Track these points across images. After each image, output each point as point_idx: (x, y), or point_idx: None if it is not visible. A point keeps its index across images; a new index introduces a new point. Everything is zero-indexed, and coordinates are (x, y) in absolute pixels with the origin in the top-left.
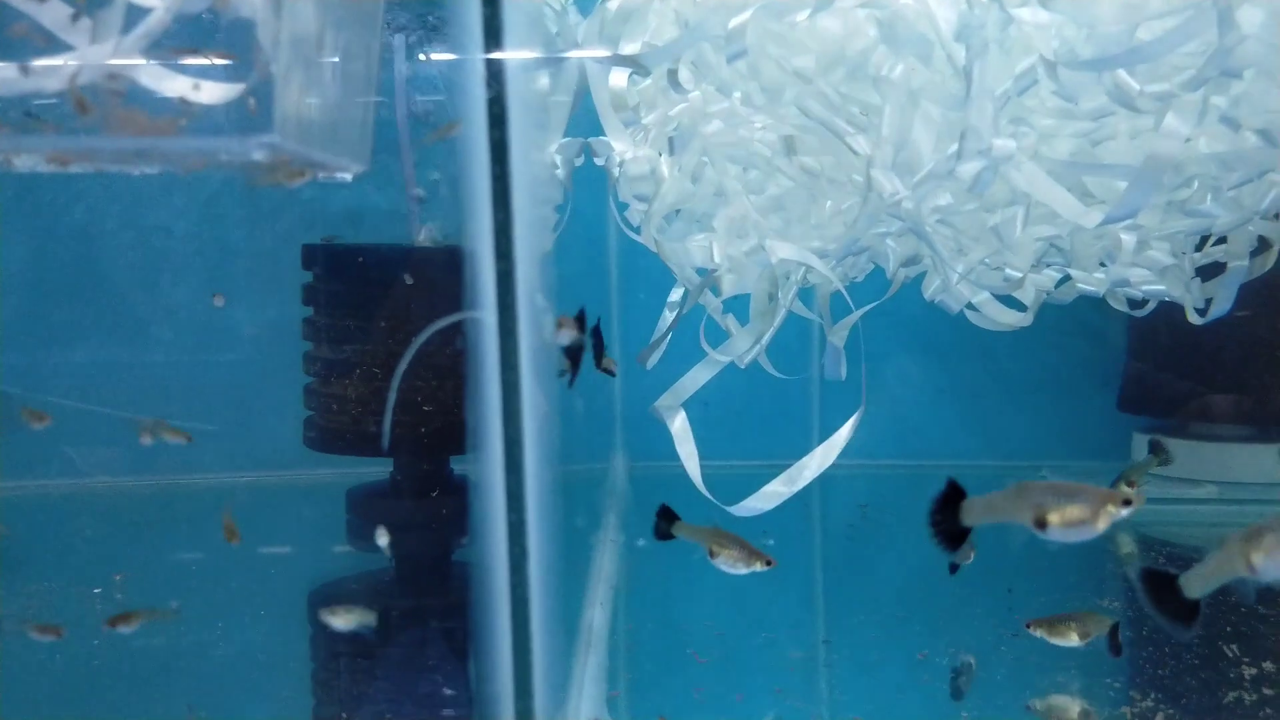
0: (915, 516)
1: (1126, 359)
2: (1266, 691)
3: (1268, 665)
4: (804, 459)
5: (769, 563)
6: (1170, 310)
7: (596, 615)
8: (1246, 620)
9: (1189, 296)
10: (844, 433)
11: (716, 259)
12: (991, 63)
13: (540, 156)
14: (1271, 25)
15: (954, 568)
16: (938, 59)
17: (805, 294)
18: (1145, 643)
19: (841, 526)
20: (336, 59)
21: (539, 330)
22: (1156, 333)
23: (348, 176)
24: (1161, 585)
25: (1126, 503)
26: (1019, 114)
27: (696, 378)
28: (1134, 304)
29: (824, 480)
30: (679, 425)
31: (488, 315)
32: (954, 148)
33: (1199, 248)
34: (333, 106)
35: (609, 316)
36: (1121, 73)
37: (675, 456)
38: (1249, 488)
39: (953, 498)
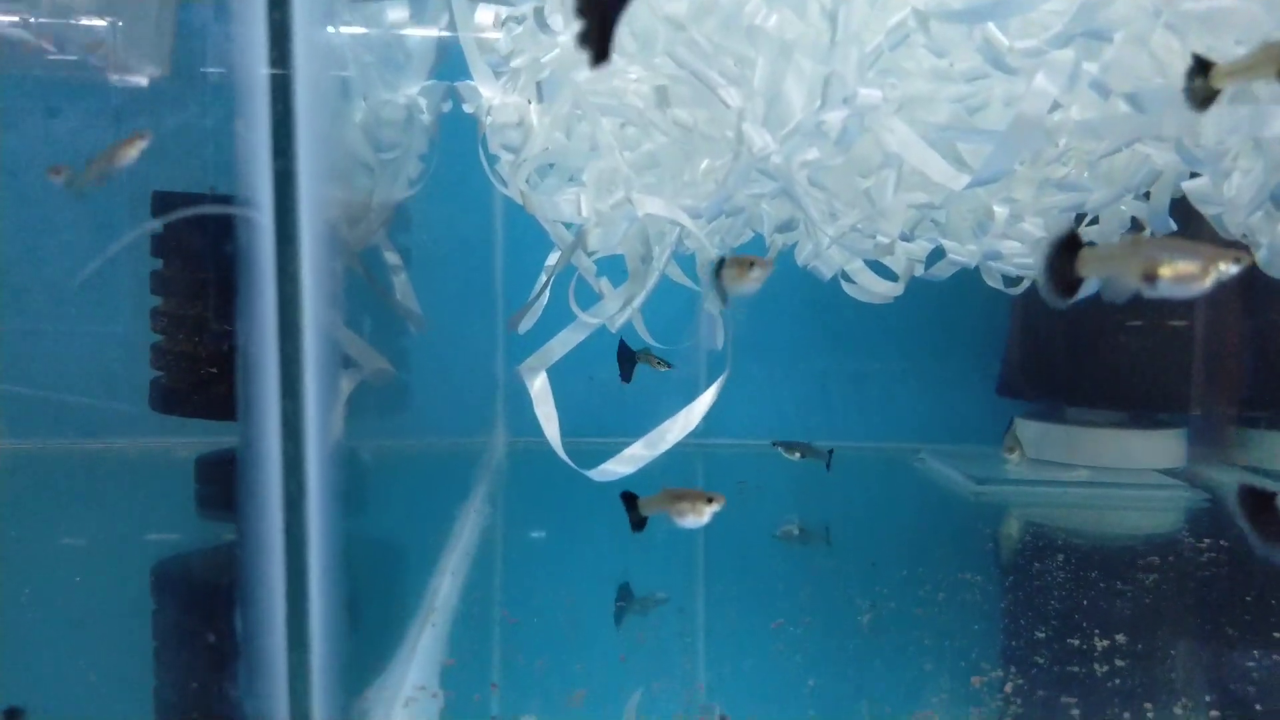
0: (791, 493)
1: (1006, 345)
2: (1118, 663)
3: (1120, 637)
4: (665, 423)
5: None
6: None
7: (445, 584)
8: (1105, 595)
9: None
10: (706, 398)
11: (584, 213)
12: (859, 11)
13: (389, 96)
14: None
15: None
16: (811, 11)
17: (689, 262)
18: (1002, 615)
19: None
20: None
21: (336, 283)
22: (1035, 320)
23: (143, 80)
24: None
25: (1236, 260)
26: (896, 73)
27: (566, 341)
28: (1009, 281)
29: (707, 457)
30: (539, 387)
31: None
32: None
33: (1079, 221)
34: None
35: (491, 279)
36: (992, 27)
37: (577, 434)
38: (1120, 472)
39: (1071, 245)
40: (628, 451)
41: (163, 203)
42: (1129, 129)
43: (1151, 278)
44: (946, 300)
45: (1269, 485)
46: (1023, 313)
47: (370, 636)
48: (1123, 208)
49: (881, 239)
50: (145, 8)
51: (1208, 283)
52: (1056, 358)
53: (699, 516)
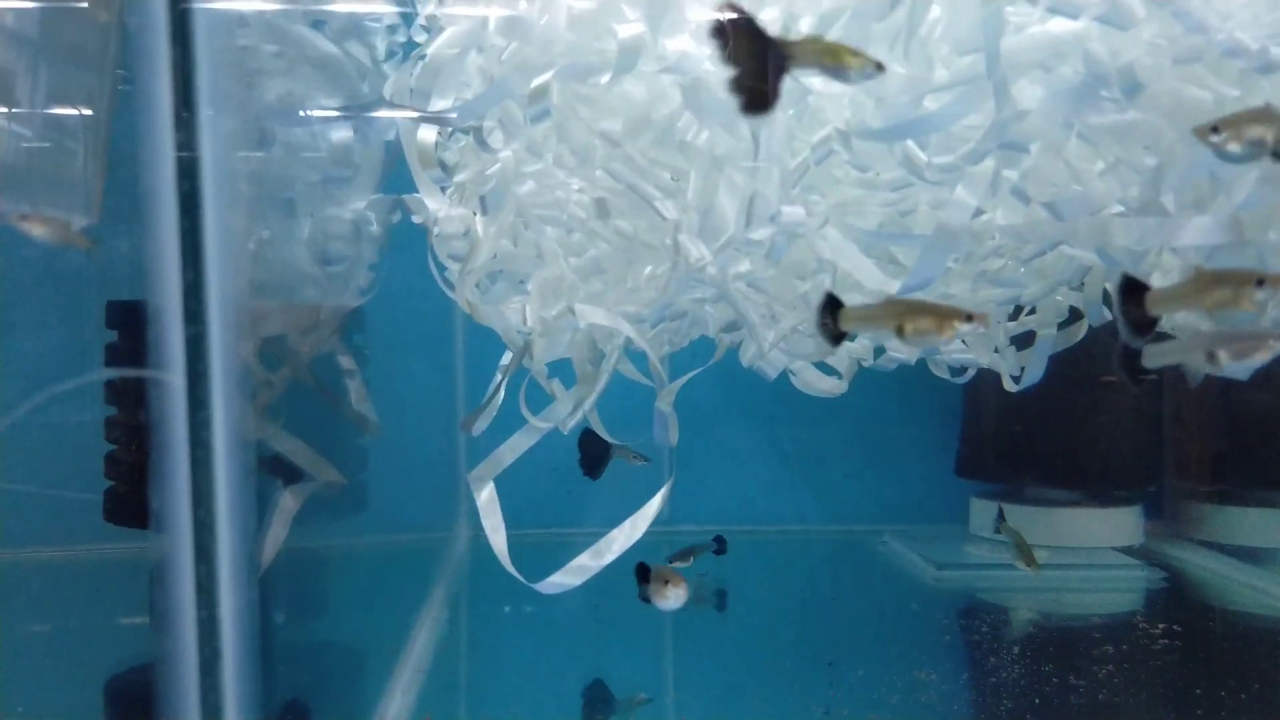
0: (752, 584)
1: (962, 425)
2: None
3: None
4: (613, 531)
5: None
6: (1000, 379)
7: (394, 706)
8: (1058, 691)
9: (1004, 365)
10: (653, 504)
11: (529, 323)
12: (780, 130)
13: (340, 212)
14: (1052, 102)
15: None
16: (742, 127)
17: (640, 358)
18: None
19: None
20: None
21: (246, 399)
22: (988, 400)
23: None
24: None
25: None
26: (826, 181)
27: (516, 446)
28: (954, 371)
29: (671, 545)
30: (486, 498)
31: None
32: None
33: (1015, 317)
34: (39, 152)
35: (453, 379)
36: (910, 144)
37: (522, 524)
38: (1078, 551)
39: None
40: (575, 562)
41: (116, 312)
42: (1049, 234)
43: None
44: (906, 379)
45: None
46: (975, 394)
47: None
48: (1059, 298)
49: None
50: (71, 166)
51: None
52: (1010, 438)
53: (666, 600)
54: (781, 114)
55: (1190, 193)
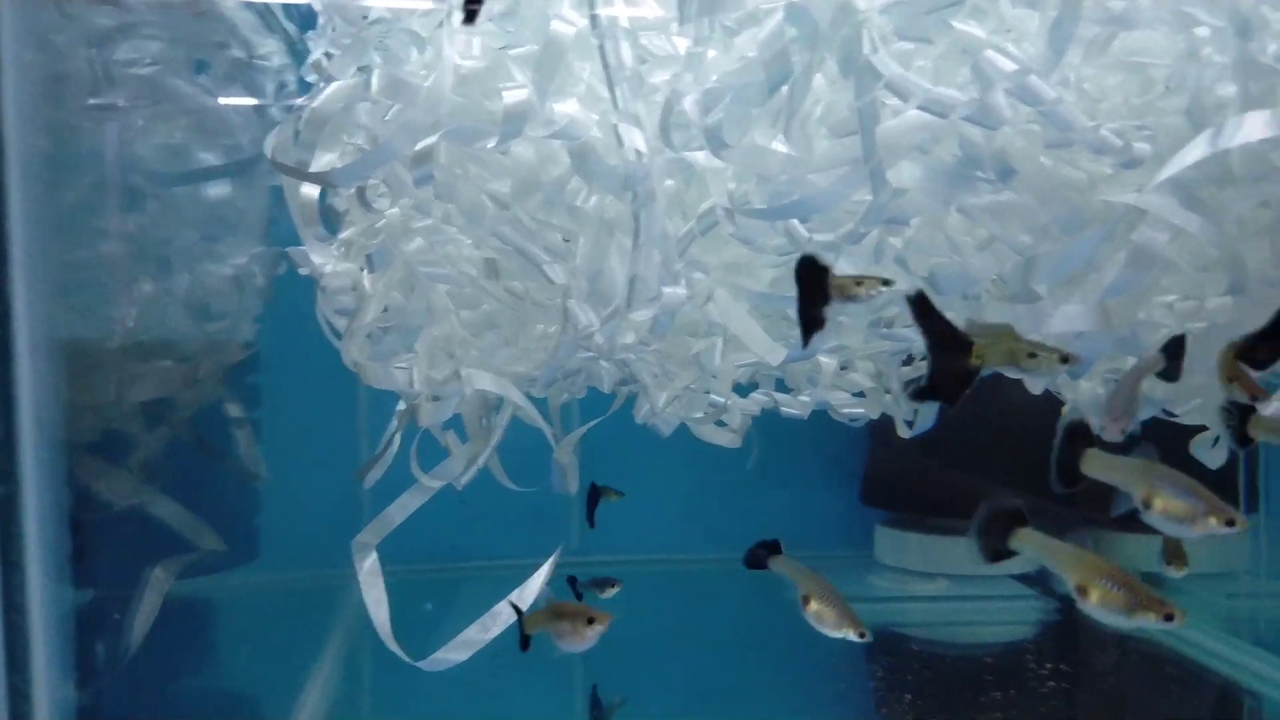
0: (651, 616)
1: (867, 455)
2: None
3: None
4: (498, 605)
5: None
6: None
7: None
8: None
9: (898, 410)
10: (541, 574)
11: (416, 385)
12: (658, 214)
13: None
14: (930, 181)
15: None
16: (626, 195)
17: (541, 404)
18: None
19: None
20: None
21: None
22: (891, 430)
23: None
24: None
25: (1230, 523)
26: (716, 240)
27: (406, 505)
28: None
29: (586, 577)
30: (369, 568)
31: None
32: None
33: (907, 363)
34: None
35: (355, 413)
36: (794, 222)
37: (437, 558)
38: (977, 581)
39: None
40: (462, 636)
41: None
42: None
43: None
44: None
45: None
46: (879, 423)
47: None
48: None
49: (715, 398)
50: None
51: (1195, 531)
52: (911, 467)
53: (581, 639)
54: (661, 193)
55: (1065, 272)
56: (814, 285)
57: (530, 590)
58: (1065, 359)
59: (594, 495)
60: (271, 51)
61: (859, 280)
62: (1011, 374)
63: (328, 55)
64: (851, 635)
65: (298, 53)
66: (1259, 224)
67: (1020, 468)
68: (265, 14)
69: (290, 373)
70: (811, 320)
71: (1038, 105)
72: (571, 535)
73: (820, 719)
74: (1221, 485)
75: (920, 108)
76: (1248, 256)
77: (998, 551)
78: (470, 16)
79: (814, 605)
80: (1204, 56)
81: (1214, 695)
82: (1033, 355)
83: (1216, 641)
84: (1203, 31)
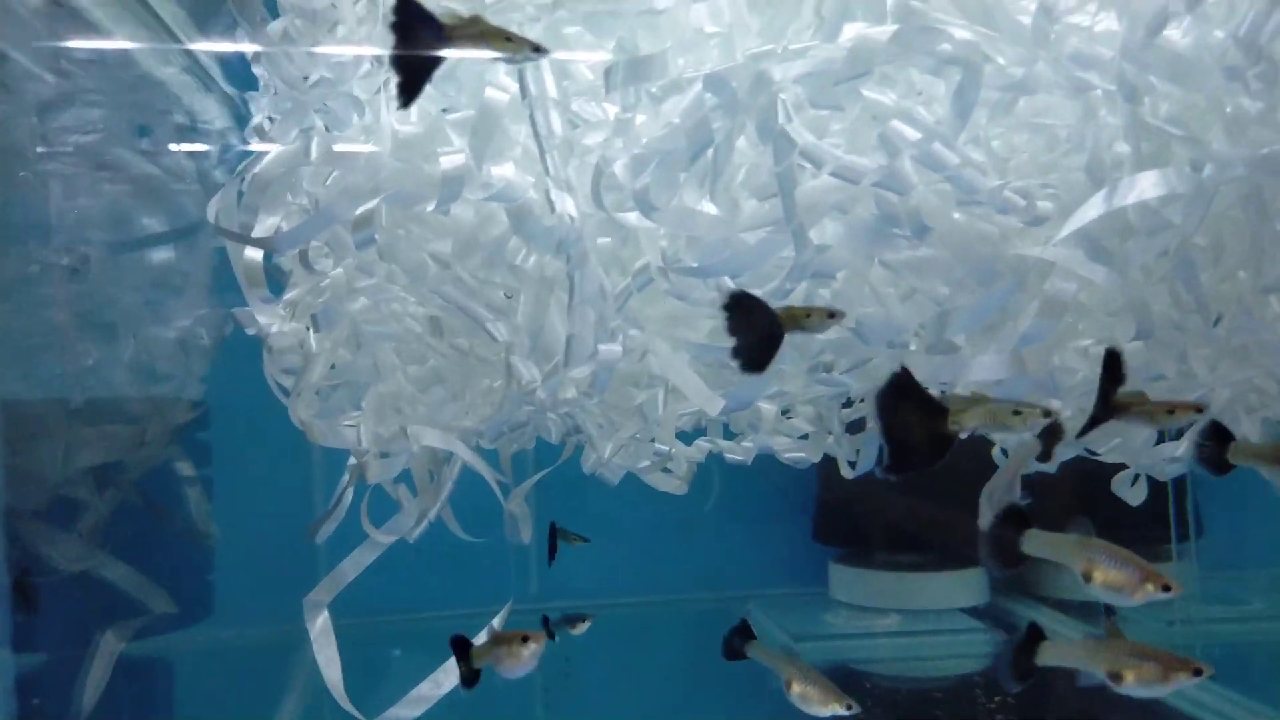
0: (623, 659)
1: (817, 493)
2: None
3: None
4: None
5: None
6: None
7: None
8: None
9: (840, 451)
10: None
11: (364, 442)
12: (592, 275)
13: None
14: (851, 236)
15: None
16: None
17: (492, 455)
18: None
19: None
20: None
21: None
22: (838, 468)
23: None
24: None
25: (1166, 588)
26: (655, 293)
27: (358, 562)
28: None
29: (534, 624)
30: (320, 628)
31: None
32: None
33: (848, 404)
34: None
35: (308, 481)
36: (724, 280)
37: (402, 609)
38: (927, 615)
39: (1019, 519)
40: (415, 692)
41: None
42: (857, 354)
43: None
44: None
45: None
46: (828, 461)
47: None
48: None
49: (660, 447)
50: None
51: (1136, 598)
52: (859, 504)
53: (518, 661)
54: (594, 253)
55: (978, 323)
56: (749, 318)
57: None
58: (1048, 413)
59: (553, 535)
60: (213, 116)
61: (807, 312)
62: (994, 434)
63: (269, 119)
64: (840, 711)
65: (240, 116)
66: (1161, 272)
67: (967, 500)
68: (205, 79)
69: (242, 430)
70: (754, 353)
71: (942, 171)
72: (530, 582)
73: None
74: (1155, 517)
75: (832, 174)
76: (1153, 303)
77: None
78: (406, 100)
79: (797, 688)
80: (1100, 118)
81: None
82: (1017, 413)
83: None
84: (1098, 94)
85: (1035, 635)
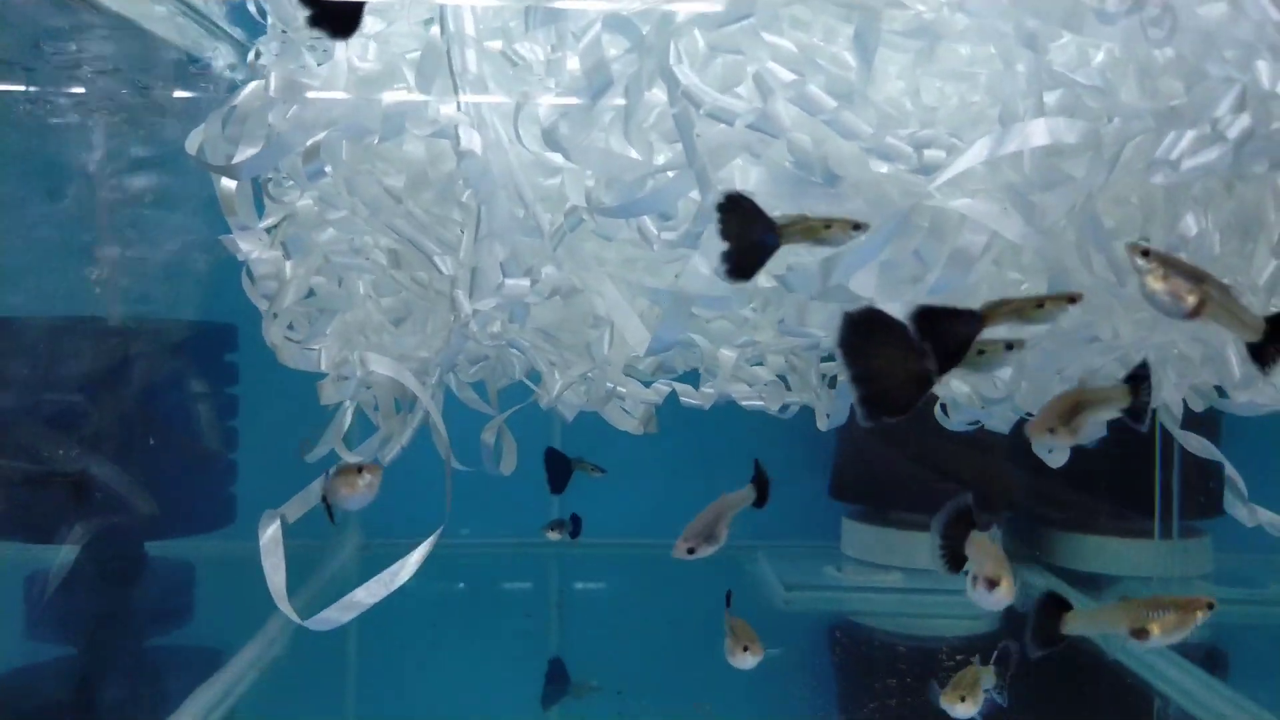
0: (633, 602)
1: (836, 451)
2: None
3: None
4: (397, 564)
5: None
6: None
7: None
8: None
9: (819, 404)
10: (422, 550)
11: (324, 366)
12: (500, 211)
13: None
14: (769, 183)
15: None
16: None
17: (479, 387)
18: None
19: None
20: None
21: None
22: (857, 428)
23: None
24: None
25: (1210, 607)
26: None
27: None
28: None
29: (561, 560)
30: (269, 537)
31: None
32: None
33: (829, 358)
34: None
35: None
36: (645, 220)
37: (421, 532)
38: (932, 575)
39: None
40: (349, 598)
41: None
42: (792, 305)
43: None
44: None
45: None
46: (849, 420)
47: None
48: None
49: (615, 387)
50: None
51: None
52: (878, 464)
53: (353, 490)
54: (504, 193)
55: (903, 272)
56: (741, 221)
57: (410, 563)
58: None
59: (561, 465)
60: (218, 54)
61: (827, 223)
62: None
63: (257, 54)
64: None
65: (243, 53)
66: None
67: (986, 462)
68: (211, 25)
69: (269, 352)
70: (742, 259)
71: (819, 114)
72: (550, 511)
73: (785, 704)
74: (1137, 494)
75: (707, 114)
76: (1095, 263)
77: (1052, 638)
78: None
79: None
80: (1016, 69)
81: (1134, 697)
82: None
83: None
84: (1011, 44)
85: (1059, 604)
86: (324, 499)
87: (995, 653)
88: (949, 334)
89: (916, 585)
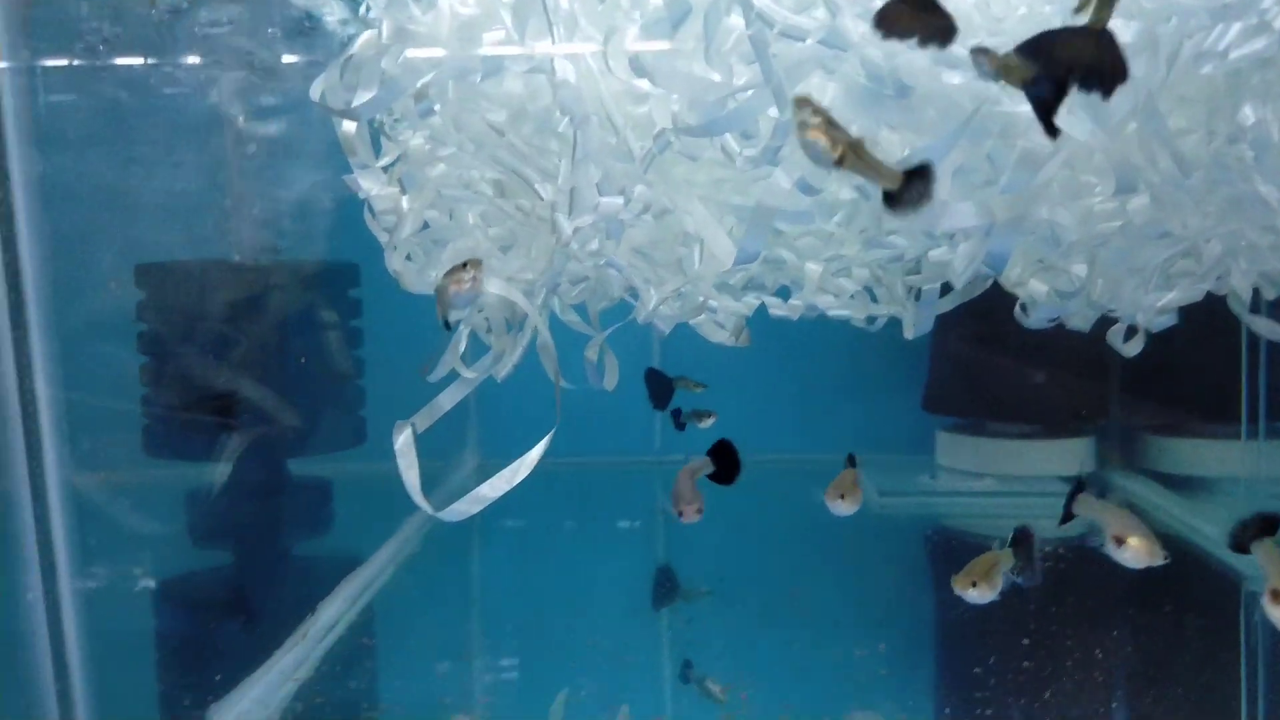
0: (739, 515)
1: (930, 364)
2: None
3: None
4: (512, 465)
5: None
6: (961, 319)
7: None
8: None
9: (906, 314)
10: (539, 448)
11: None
12: (593, 136)
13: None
14: (845, 96)
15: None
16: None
17: (580, 310)
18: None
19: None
20: None
21: None
22: (951, 341)
23: None
24: None
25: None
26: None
27: (454, 394)
28: (869, 320)
29: (666, 476)
30: (403, 441)
31: None
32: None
33: (915, 271)
34: None
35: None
36: (727, 137)
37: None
38: (1025, 480)
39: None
40: (476, 491)
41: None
42: (873, 216)
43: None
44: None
45: None
46: (941, 334)
47: None
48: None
49: (707, 300)
50: None
51: None
52: (973, 376)
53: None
54: (596, 120)
55: (977, 176)
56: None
57: (532, 457)
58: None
59: (668, 385)
60: (333, 9)
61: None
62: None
63: (368, 8)
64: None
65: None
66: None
67: (1078, 371)
68: None
69: (390, 286)
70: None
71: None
72: (654, 437)
73: (886, 605)
74: (1226, 396)
75: (781, 33)
76: (1160, 159)
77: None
78: None
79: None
80: None
81: (1228, 592)
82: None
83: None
84: None
85: (1079, 486)
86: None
87: (1012, 534)
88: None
89: (1008, 489)
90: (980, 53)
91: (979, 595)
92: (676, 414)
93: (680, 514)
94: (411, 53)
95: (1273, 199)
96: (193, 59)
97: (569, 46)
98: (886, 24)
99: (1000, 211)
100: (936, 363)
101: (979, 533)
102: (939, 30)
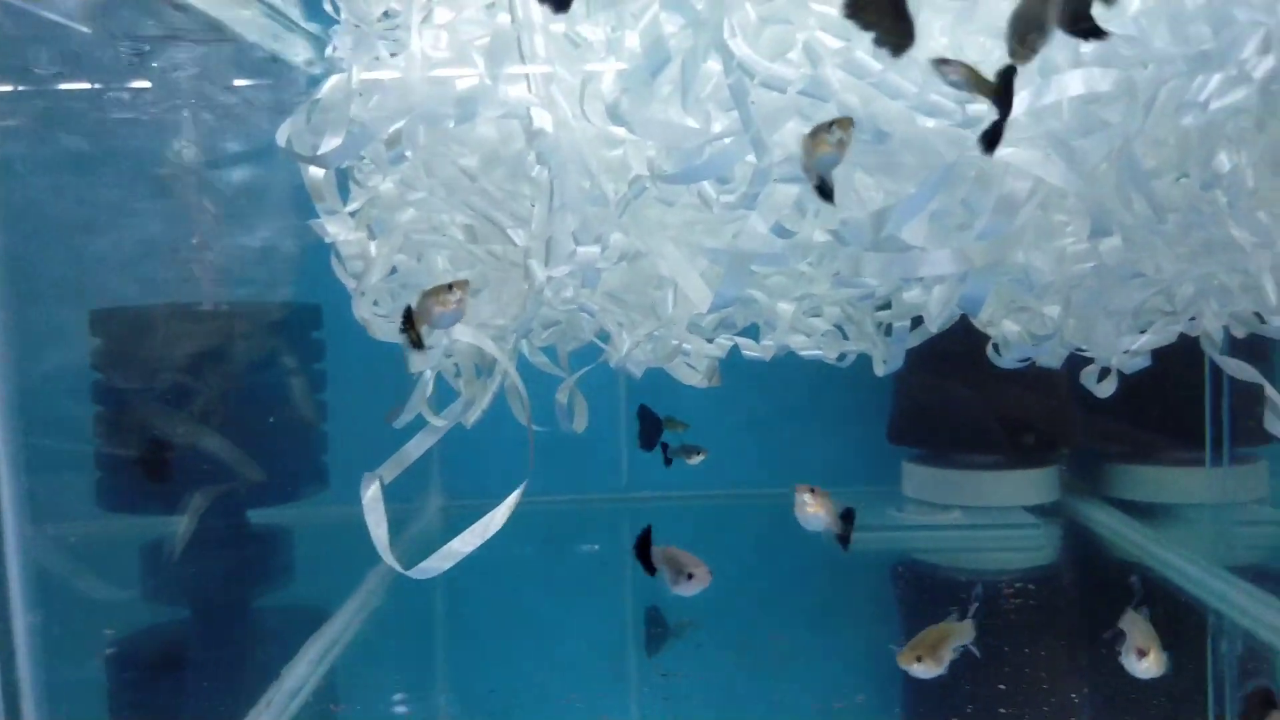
0: (705, 547)
1: (894, 395)
2: None
3: None
4: (488, 515)
5: None
6: (925, 348)
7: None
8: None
9: (876, 351)
10: (511, 500)
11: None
12: (569, 185)
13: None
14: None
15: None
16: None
17: (550, 352)
18: None
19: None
20: None
21: None
22: (916, 372)
23: None
24: None
25: None
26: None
27: (421, 444)
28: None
29: (633, 512)
30: (370, 496)
31: None
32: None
33: (884, 307)
34: None
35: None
36: (705, 185)
37: (499, 494)
38: (991, 512)
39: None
40: (447, 547)
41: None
42: (846, 258)
43: None
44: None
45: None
46: (907, 366)
47: None
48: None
49: (680, 344)
50: None
51: None
52: (936, 407)
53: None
54: (574, 169)
55: (952, 220)
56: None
57: (502, 513)
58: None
59: (656, 423)
60: (297, 50)
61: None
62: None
63: (334, 49)
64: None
65: (323, 50)
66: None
67: (1042, 402)
68: (288, 23)
69: (352, 329)
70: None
71: (866, 78)
72: (622, 474)
73: (853, 635)
74: (1190, 424)
75: (761, 83)
76: (1136, 203)
77: None
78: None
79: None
80: None
81: (1193, 620)
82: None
83: (1203, 572)
84: None
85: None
86: (408, 329)
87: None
88: None
89: (976, 522)
90: (943, 63)
91: (924, 670)
92: (664, 448)
93: (691, 576)
94: (381, 98)
95: (1247, 243)
96: (160, 98)
97: (542, 89)
98: (854, 9)
99: (977, 258)
100: (901, 393)
101: (949, 565)
102: (897, 36)
